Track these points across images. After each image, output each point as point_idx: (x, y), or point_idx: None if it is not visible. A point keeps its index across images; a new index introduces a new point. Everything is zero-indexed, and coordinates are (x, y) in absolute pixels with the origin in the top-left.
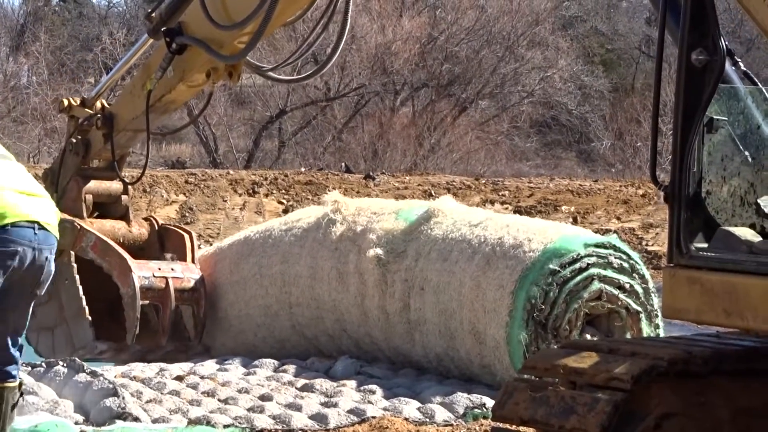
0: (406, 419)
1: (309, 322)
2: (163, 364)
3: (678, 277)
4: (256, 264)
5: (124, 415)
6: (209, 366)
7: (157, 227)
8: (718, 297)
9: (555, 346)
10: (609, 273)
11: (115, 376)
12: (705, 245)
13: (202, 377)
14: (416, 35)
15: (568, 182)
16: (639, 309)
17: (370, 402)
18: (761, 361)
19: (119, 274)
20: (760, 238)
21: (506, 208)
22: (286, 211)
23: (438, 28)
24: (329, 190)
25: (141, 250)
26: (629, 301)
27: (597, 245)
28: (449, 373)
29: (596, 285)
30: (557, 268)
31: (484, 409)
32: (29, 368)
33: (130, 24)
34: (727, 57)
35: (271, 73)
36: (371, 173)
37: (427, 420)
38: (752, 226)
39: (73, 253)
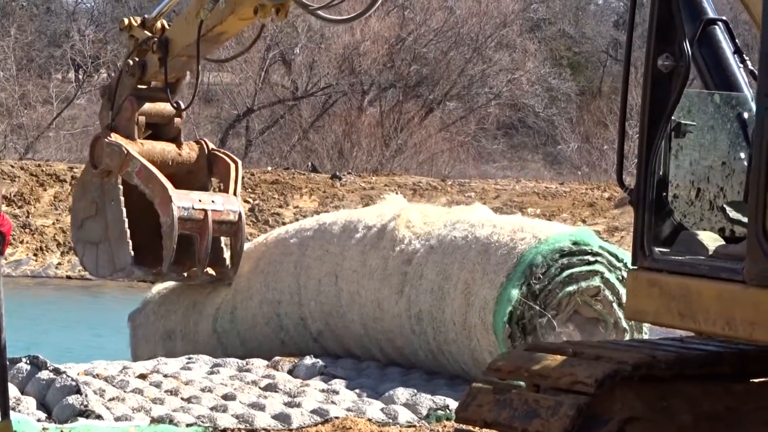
0: (369, 420)
1: (311, 263)
2: (126, 362)
3: (639, 279)
4: (313, 218)
5: (86, 413)
6: (173, 364)
7: (207, 151)
8: (674, 299)
9: (524, 344)
10: (613, 279)
11: (78, 374)
12: (668, 248)
13: (165, 375)
14: (384, 36)
15: (534, 184)
16: (627, 328)
17: (333, 402)
18: (724, 365)
19: (160, 202)
20: (722, 242)
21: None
22: (251, 210)
23: (406, 29)
24: (295, 190)
25: (189, 173)
26: (621, 315)
27: (612, 254)
28: (422, 335)
29: (597, 281)
30: (568, 249)
31: (448, 411)
32: None
33: (98, 21)
34: (735, 55)
35: (320, 12)
36: (337, 173)
37: (390, 421)
38: (721, 230)
39: (120, 175)
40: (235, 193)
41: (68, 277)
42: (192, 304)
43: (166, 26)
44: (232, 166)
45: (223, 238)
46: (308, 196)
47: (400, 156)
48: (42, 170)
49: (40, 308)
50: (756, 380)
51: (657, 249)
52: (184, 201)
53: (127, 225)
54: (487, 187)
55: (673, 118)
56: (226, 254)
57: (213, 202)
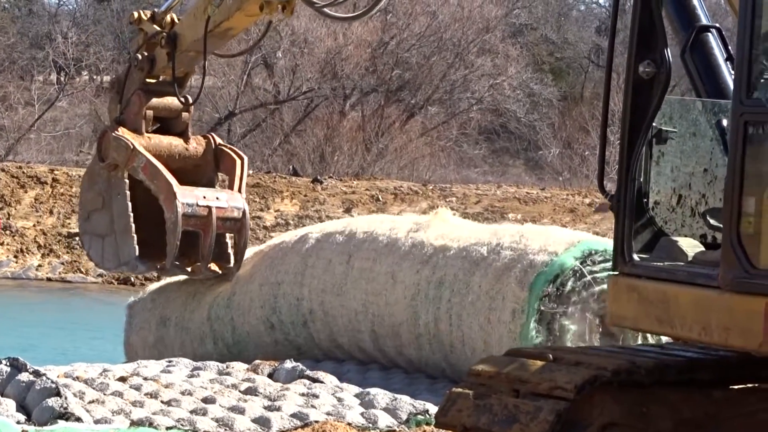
0: (349, 424)
1: (326, 245)
2: (106, 365)
3: (619, 285)
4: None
5: (66, 416)
6: (153, 367)
7: (214, 146)
8: (652, 305)
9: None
10: None
11: (57, 376)
12: (648, 254)
13: (145, 378)
14: (367, 40)
15: (515, 190)
16: None
17: (313, 406)
18: (704, 372)
19: (165, 198)
20: (701, 248)
21: (453, 215)
22: None
23: (389, 33)
24: (276, 193)
25: (196, 167)
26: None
27: None
28: (436, 300)
29: None
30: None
31: (428, 415)
32: None
33: (80, 23)
34: (728, 62)
35: (326, 10)
36: (319, 177)
37: (370, 425)
38: (703, 237)
39: (126, 170)
40: (240, 190)
41: (49, 279)
42: (192, 294)
43: (176, 20)
44: (238, 162)
45: (227, 235)
46: (289, 200)
47: (381, 160)
48: (23, 172)
49: (22, 310)
50: (736, 387)
51: (637, 255)
52: (188, 198)
53: (132, 219)
54: (468, 192)
55: (654, 124)
56: (230, 250)
57: (217, 198)
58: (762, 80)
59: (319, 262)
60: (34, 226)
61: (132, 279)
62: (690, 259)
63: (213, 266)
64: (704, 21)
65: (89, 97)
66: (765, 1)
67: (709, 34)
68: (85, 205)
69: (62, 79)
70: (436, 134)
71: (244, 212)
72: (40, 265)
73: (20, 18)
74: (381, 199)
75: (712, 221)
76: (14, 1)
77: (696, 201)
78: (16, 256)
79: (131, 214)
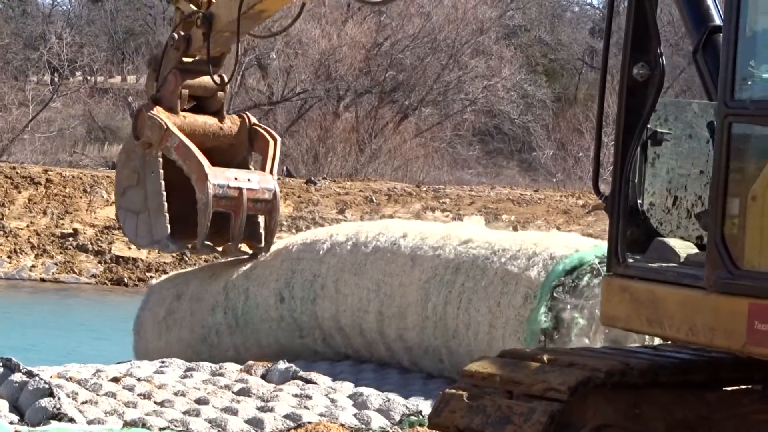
0: (342, 425)
1: (366, 237)
2: (99, 365)
3: (612, 286)
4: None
5: (59, 416)
6: (146, 368)
7: (248, 125)
8: (642, 305)
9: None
10: None
11: (51, 377)
12: (641, 255)
13: (138, 379)
14: (361, 41)
15: (509, 191)
16: None
17: (306, 407)
18: (697, 373)
19: (197, 179)
20: (695, 250)
21: (447, 216)
22: None
23: (383, 35)
24: None
25: (231, 146)
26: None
27: None
28: (450, 284)
29: None
30: None
31: (421, 417)
32: None
33: (74, 23)
34: None
35: None
36: (312, 178)
37: (363, 426)
38: (698, 238)
39: (159, 149)
40: (271, 171)
41: (42, 280)
42: (212, 272)
43: (212, 0)
44: (272, 142)
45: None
46: (283, 201)
47: (375, 161)
48: (17, 173)
49: (18, 310)
50: (729, 388)
51: (629, 256)
52: (219, 179)
53: (165, 198)
54: (461, 194)
55: (648, 126)
56: (262, 231)
57: (249, 180)
58: (747, 82)
59: (345, 245)
60: (27, 226)
61: (125, 279)
62: (683, 260)
63: (243, 246)
64: (718, 21)
65: (83, 97)
66: (750, 3)
67: (722, 34)
68: (121, 181)
69: (56, 79)
70: (429, 135)
71: (275, 194)
72: (33, 266)
73: (14, 18)
74: (375, 200)
75: (706, 223)
76: (8, 1)
77: (692, 203)
78: (9, 257)
79: (164, 193)
